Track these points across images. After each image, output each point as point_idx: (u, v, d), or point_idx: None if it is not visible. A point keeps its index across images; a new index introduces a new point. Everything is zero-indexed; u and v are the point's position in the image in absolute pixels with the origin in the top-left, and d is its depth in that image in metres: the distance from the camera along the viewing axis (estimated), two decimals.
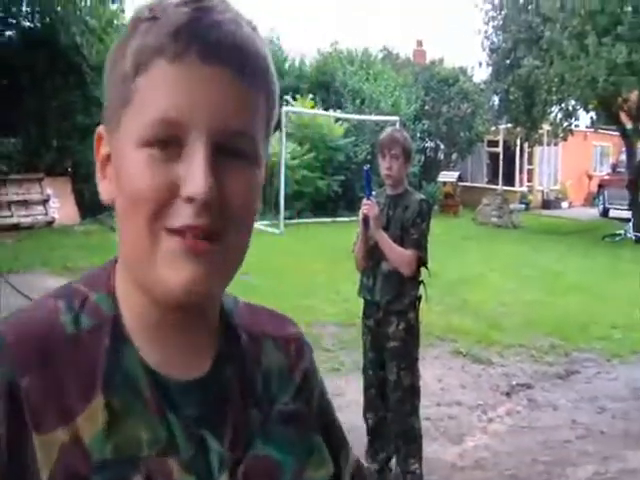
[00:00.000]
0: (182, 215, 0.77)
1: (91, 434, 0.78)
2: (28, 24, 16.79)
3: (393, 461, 4.34)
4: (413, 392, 4.21)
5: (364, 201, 4.12)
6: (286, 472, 0.89)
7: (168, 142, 0.77)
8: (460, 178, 23.83)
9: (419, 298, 4.27)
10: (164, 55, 0.77)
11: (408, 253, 4.05)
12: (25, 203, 14.68)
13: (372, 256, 4.25)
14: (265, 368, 0.96)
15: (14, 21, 16.75)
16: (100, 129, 0.87)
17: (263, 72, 0.83)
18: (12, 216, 14.33)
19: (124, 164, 0.80)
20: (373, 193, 4.19)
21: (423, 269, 4.25)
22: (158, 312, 0.84)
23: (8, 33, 17.09)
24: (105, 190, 0.87)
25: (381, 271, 4.19)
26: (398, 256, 4.06)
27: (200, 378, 0.86)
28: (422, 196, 4.31)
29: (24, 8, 16.49)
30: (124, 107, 0.80)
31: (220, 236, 0.79)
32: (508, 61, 20.06)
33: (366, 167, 4.45)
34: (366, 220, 4.10)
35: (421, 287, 4.27)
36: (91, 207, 14.37)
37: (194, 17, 0.78)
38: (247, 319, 1.00)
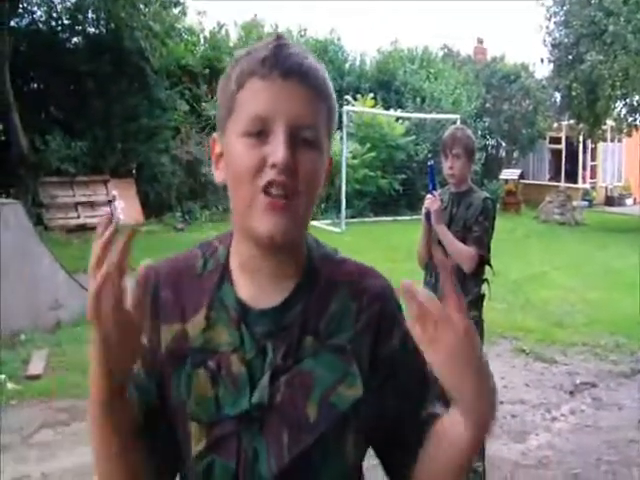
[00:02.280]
0: (268, 174, 1.16)
1: (194, 331, 1.25)
2: (93, 30, 17.15)
3: None
4: None
5: (427, 196, 4.15)
6: (318, 386, 1.22)
7: (259, 133, 1.17)
8: (522, 176, 23.60)
9: (482, 296, 4.24)
10: (256, 75, 1.18)
11: (469, 250, 4.04)
12: (91, 204, 15.03)
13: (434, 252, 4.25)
14: (333, 309, 1.27)
15: (80, 28, 17.13)
16: (215, 135, 1.29)
17: (323, 88, 1.22)
18: (79, 217, 14.69)
19: (231, 150, 1.20)
20: (437, 188, 4.21)
21: (487, 267, 4.25)
22: (255, 258, 1.25)
23: (74, 40, 17.50)
24: (219, 177, 1.28)
25: None
26: (458, 252, 4.05)
27: (273, 307, 1.25)
28: (486, 194, 4.26)
29: (89, 15, 16.84)
30: (230, 115, 1.21)
31: (293, 195, 1.17)
32: (570, 56, 19.78)
33: (430, 162, 4.45)
34: (428, 215, 4.12)
35: (485, 285, 4.26)
36: (155, 208, 14.66)
37: (275, 51, 1.18)
38: (332, 267, 1.32)
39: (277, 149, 1.15)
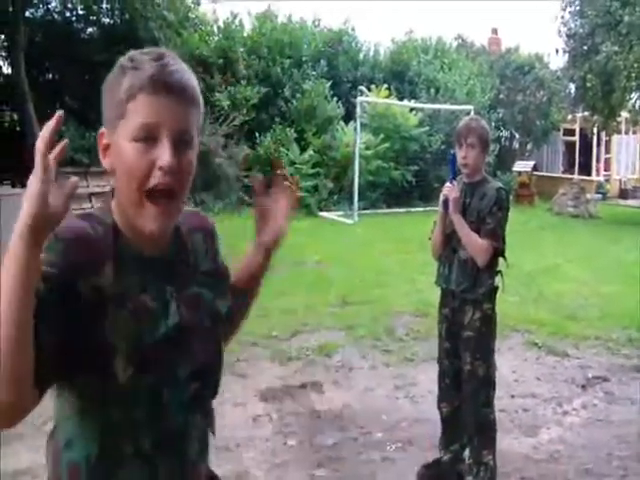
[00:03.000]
0: (156, 177, 1.45)
1: (107, 281, 1.49)
2: (108, 20, 17.18)
3: (466, 452, 4.33)
4: (488, 383, 4.16)
5: (446, 184, 4.15)
6: (206, 301, 1.68)
7: (146, 139, 1.44)
8: (535, 167, 23.52)
9: (496, 288, 4.21)
10: (144, 91, 1.44)
11: (482, 243, 4.03)
12: (105, 195, 15.02)
13: (449, 244, 4.26)
14: (194, 249, 1.70)
15: (94, 18, 17.16)
16: (102, 130, 1.54)
17: (196, 97, 1.52)
18: (93, 207, 14.65)
19: (122, 151, 1.46)
20: (457, 178, 4.21)
21: (501, 259, 4.23)
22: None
23: (89, 30, 17.53)
24: (106, 164, 1.54)
25: (458, 259, 4.16)
26: (473, 244, 4.04)
27: (161, 254, 1.60)
28: (500, 184, 4.22)
29: (104, 5, 16.87)
30: (119, 119, 1.46)
31: (176, 193, 1.49)
32: (585, 47, 19.65)
33: (452, 151, 4.42)
34: (446, 203, 4.12)
35: (498, 277, 4.23)
36: None
37: (160, 69, 1.45)
38: (186, 220, 1.69)
39: (164, 154, 1.44)
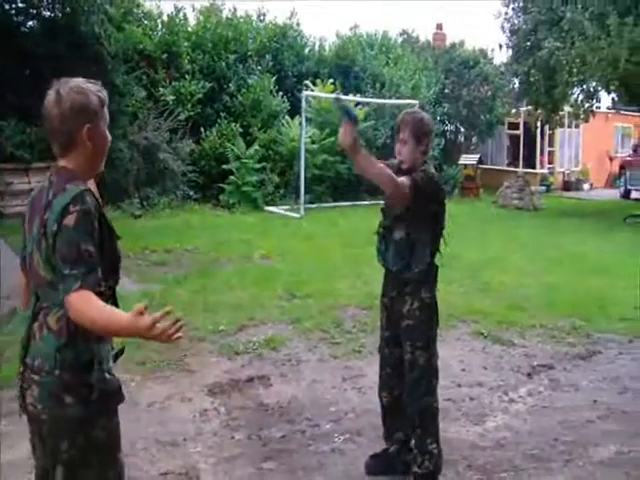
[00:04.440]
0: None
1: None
2: (49, 14, 16.84)
3: (412, 442, 4.33)
4: (430, 371, 4.16)
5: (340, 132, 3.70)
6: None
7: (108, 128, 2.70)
8: (481, 161, 23.77)
9: (435, 269, 4.18)
10: (104, 106, 2.67)
11: (400, 178, 3.88)
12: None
13: (384, 221, 4.23)
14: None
15: (35, 11, 16.81)
16: (87, 125, 2.57)
17: None
18: None
19: (101, 133, 2.66)
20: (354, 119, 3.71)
21: (441, 238, 4.19)
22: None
23: (29, 23, 17.17)
24: (90, 144, 2.60)
25: (393, 239, 4.14)
26: (387, 178, 3.79)
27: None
28: (430, 171, 4.12)
29: None
30: (97, 116, 2.63)
31: None
32: (529, 43, 19.91)
33: (335, 94, 4.08)
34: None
35: (437, 257, 4.18)
36: (112, 194, 14.48)
37: (103, 94, 2.67)
38: None
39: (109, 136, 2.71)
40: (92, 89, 2.62)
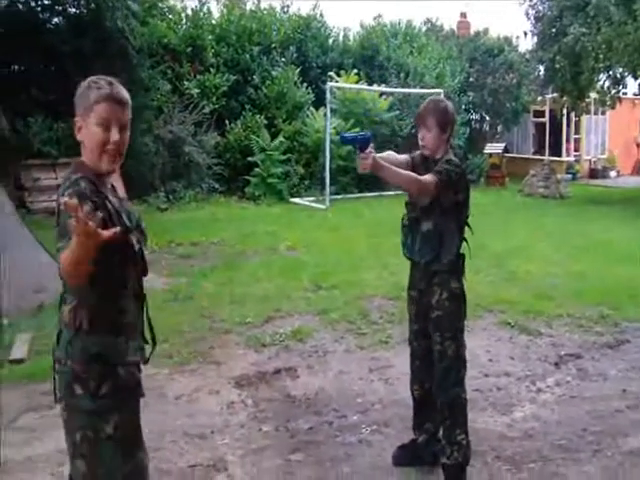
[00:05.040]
0: (110, 147, 2.65)
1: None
2: (74, 10, 16.95)
3: (440, 433, 4.33)
4: (458, 362, 4.15)
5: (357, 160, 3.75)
6: None
7: (104, 126, 2.63)
8: (506, 149, 23.60)
9: (462, 258, 4.17)
10: (104, 101, 2.63)
11: (425, 176, 3.90)
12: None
13: (410, 214, 4.23)
14: None
15: (60, 8, 16.92)
16: (77, 118, 2.67)
17: (128, 102, 2.71)
18: None
19: (91, 130, 2.64)
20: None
21: (466, 228, 4.19)
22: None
23: (55, 20, 17.29)
24: (80, 138, 2.68)
25: (420, 230, 4.13)
26: (414, 180, 3.87)
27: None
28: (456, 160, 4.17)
29: None
30: (89, 113, 2.64)
31: (121, 154, 2.71)
32: (554, 30, 19.70)
33: (341, 133, 4.15)
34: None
35: (464, 246, 4.18)
36: (138, 188, 14.55)
37: (111, 89, 2.65)
38: None
39: (114, 135, 2.65)
40: (99, 84, 2.65)
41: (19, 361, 6.38)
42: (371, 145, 3.70)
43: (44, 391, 5.28)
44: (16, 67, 17.45)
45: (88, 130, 2.65)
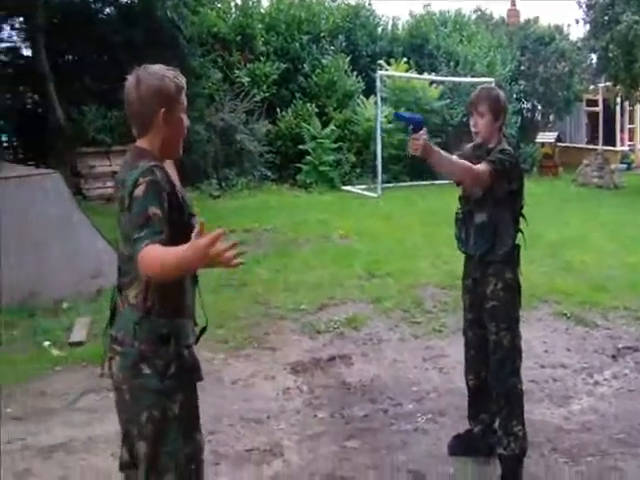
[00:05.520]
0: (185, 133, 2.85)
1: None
2: (126, 0, 17.15)
3: (496, 423, 4.31)
4: (514, 352, 4.13)
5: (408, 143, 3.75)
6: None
7: (185, 113, 2.82)
8: (559, 139, 23.31)
9: (518, 249, 4.14)
10: (183, 90, 2.77)
11: (478, 166, 3.88)
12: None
13: (464, 207, 4.22)
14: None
15: None
16: (163, 109, 2.68)
17: None
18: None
19: (179, 117, 2.76)
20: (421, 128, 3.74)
21: (521, 219, 4.16)
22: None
23: (107, 10, 17.50)
24: (165, 127, 2.71)
25: (474, 223, 4.12)
26: (468, 169, 3.87)
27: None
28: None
29: None
30: (174, 102, 2.73)
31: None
32: (606, 17, 19.34)
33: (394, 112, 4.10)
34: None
35: (519, 236, 4.15)
36: (191, 175, 14.68)
37: (180, 80, 2.77)
38: None
39: (187, 121, 2.82)
40: (169, 75, 2.73)
41: (78, 344, 6.52)
42: (424, 129, 3.69)
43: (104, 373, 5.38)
44: (70, 57, 17.72)
45: (174, 118, 2.73)
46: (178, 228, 2.60)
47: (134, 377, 2.67)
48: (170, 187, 2.64)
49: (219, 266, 2.29)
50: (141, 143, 2.75)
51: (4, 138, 17.53)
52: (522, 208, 4.17)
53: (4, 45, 17.48)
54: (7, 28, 17.41)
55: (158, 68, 2.74)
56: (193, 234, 2.27)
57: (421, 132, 3.66)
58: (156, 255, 2.39)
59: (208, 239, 2.19)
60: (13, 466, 4.44)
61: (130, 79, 2.72)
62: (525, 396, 4.25)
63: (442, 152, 3.82)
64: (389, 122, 18.14)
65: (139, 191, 2.54)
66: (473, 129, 4.12)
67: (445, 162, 3.84)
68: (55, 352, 6.34)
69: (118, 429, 2.93)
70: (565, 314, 7.36)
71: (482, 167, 3.89)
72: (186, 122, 2.81)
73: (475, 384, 4.39)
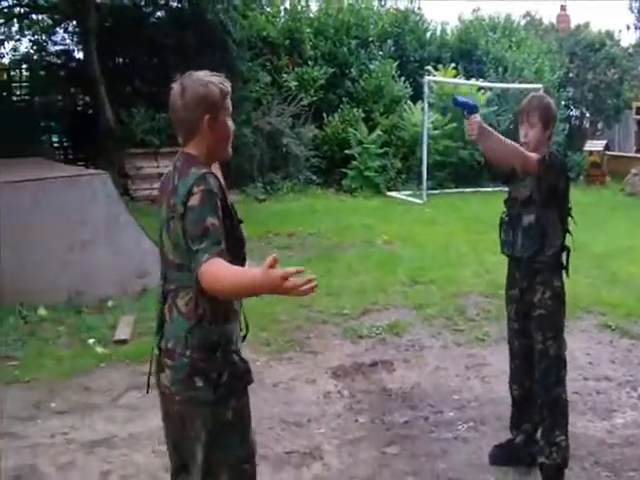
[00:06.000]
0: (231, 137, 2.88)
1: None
2: (176, 4, 17.33)
3: (539, 433, 4.28)
4: (559, 362, 4.12)
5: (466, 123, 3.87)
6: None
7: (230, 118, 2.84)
8: (607, 147, 23.00)
9: (567, 251, 4.13)
10: (228, 95, 2.79)
11: (530, 152, 3.93)
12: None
13: (511, 209, 4.20)
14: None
15: (163, 2, 17.33)
16: (207, 115, 2.70)
17: None
18: None
19: (225, 122, 2.78)
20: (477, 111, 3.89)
21: (569, 218, 4.15)
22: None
23: (158, 14, 17.72)
24: (211, 133, 2.74)
25: (522, 225, 4.10)
26: (519, 152, 3.90)
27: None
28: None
29: None
30: (220, 108, 2.75)
31: None
32: None
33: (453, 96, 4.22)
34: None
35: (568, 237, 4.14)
36: (237, 178, 14.78)
37: (226, 86, 2.79)
38: None
39: (232, 125, 2.83)
40: (214, 81, 2.74)
41: (123, 342, 6.63)
42: (478, 114, 3.80)
43: (146, 372, 5.46)
44: (121, 60, 17.96)
45: (219, 123, 2.74)
46: (229, 234, 2.63)
47: (187, 390, 2.68)
48: (222, 194, 2.66)
49: (288, 295, 2.33)
50: (189, 149, 2.77)
51: (55, 139, 17.84)
52: (570, 209, 4.15)
53: (57, 48, 17.85)
54: (60, 31, 17.81)
55: (203, 74, 2.76)
56: (265, 264, 2.28)
57: (475, 115, 3.77)
58: (221, 273, 2.44)
59: (281, 274, 2.24)
60: (56, 459, 4.54)
61: (175, 87, 2.74)
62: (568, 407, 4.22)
63: (495, 133, 3.90)
64: (435, 128, 18.08)
65: (195, 200, 2.56)
66: (523, 139, 4.10)
67: (499, 144, 3.89)
68: (99, 349, 6.45)
69: (160, 426, 2.97)
70: (610, 326, 7.26)
71: (533, 155, 3.93)
72: (231, 126, 2.82)
73: (519, 394, 4.37)
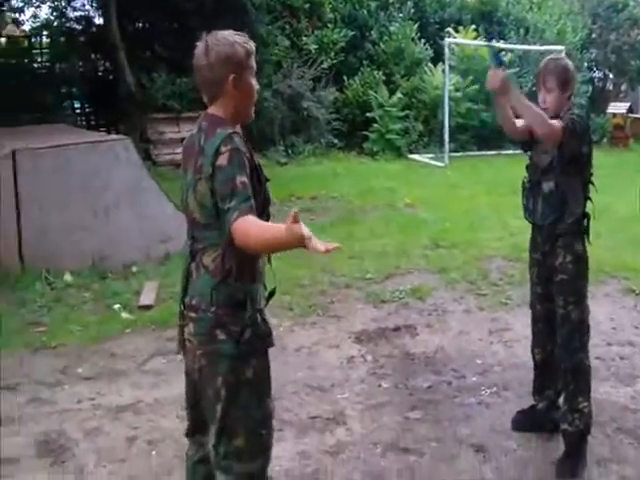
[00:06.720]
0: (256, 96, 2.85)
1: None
2: None
3: (561, 399, 4.28)
4: (582, 327, 4.08)
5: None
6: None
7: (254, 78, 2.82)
8: (631, 109, 22.71)
9: (587, 218, 4.07)
10: (252, 54, 2.77)
11: (552, 120, 3.86)
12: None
13: (532, 176, 4.16)
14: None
15: None
16: (232, 75, 2.67)
17: None
18: None
19: (249, 82, 2.76)
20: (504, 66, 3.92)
21: (590, 185, 4.10)
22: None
23: None
24: (235, 92, 2.73)
25: (542, 192, 4.05)
26: (541, 119, 3.82)
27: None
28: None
29: None
30: (244, 67, 2.73)
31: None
32: None
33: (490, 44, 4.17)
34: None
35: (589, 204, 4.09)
36: (258, 142, 14.71)
37: (250, 45, 2.77)
38: None
39: (257, 84, 2.81)
40: (238, 40, 2.73)
41: (147, 307, 6.67)
42: (503, 67, 3.79)
43: (171, 337, 5.53)
44: (140, 25, 17.89)
45: (244, 83, 2.73)
46: (256, 193, 2.64)
47: (209, 343, 2.71)
48: (249, 152, 2.67)
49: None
50: (213, 110, 2.76)
51: (76, 105, 17.84)
52: (591, 176, 4.10)
53: (77, 14, 17.77)
54: None
55: (228, 34, 2.74)
56: (288, 219, 2.27)
57: (502, 68, 3.76)
58: (252, 230, 2.46)
59: (301, 233, 2.24)
60: (83, 425, 4.60)
61: (199, 46, 2.72)
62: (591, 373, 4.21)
63: (519, 94, 3.86)
64: (457, 90, 17.92)
65: (223, 160, 2.57)
66: (542, 105, 4.03)
67: (521, 104, 3.84)
68: (125, 315, 6.51)
69: (183, 392, 3.00)
70: (634, 290, 7.21)
71: (555, 122, 3.86)
72: (256, 86, 2.81)
73: (541, 358, 4.36)
